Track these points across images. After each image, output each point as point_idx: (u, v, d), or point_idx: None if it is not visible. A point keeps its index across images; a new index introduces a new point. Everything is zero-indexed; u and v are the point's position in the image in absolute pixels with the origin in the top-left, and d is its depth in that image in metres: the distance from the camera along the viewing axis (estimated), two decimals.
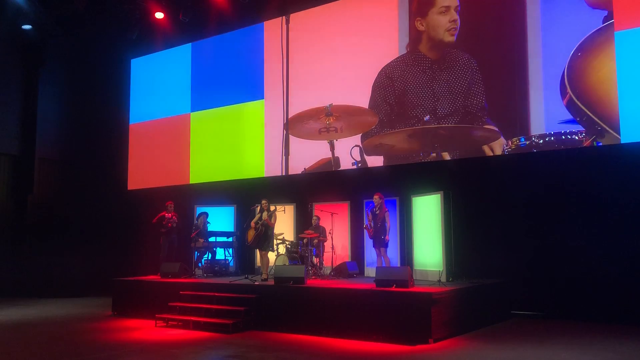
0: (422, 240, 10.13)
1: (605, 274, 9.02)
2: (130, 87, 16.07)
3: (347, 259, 11.34)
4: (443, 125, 10.69)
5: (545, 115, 9.65)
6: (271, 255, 10.57)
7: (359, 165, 11.67)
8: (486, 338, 7.82)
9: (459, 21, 10.72)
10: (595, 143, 9.12)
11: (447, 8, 10.85)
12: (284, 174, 12.73)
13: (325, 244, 11.05)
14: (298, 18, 12.90)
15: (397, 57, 11.37)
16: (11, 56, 15.28)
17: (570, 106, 9.35)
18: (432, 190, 9.95)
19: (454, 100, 10.58)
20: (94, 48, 15.90)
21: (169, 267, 11.09)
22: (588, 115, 9.16)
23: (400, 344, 7.38)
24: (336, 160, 11.99)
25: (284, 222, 11.74)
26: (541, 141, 9.67)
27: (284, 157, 12.73)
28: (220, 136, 13.95)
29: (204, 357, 7.21)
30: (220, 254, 12.05)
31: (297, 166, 12.54)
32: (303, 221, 11.89)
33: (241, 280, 9.99)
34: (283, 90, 12.88)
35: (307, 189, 12.36)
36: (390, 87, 11.41)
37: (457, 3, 10.74)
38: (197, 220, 12.02)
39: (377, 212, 9.99)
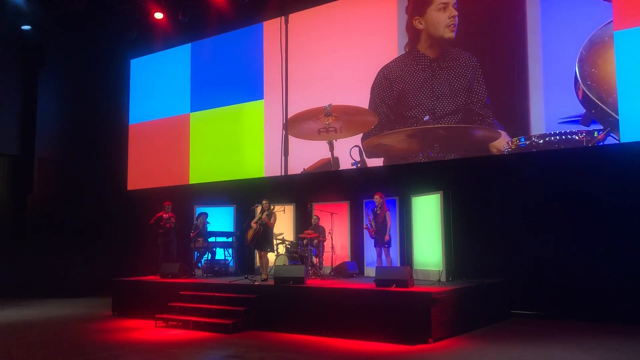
0: (421, 240, 10.13)
1: (605, 273, 9.02)
2: (130, 88, 16.06)
3: (347, 258, 11.34)
4: (442, 125, 10.69)
5: (546, 115, 9.65)
6: (271, 256, 10.56)
7: (359, 165, 11.67)
8: (486, 338, 7.82)
9: (457, 17, 10.72)
10: (607, 135, 9.02)
11: (446, 4, 10.85)
12: (283, 174, 12.73)
13: (325, 243, 11.06)
14: (297, 18, 12.89)
15: (396, 58, 11.37)
16: (11, 56, 15.27)
17: (584, 99, 9.27)
18: (431, 190, 9.96)
19: (455, 98, 10.57)
20: (93, 48, 15.88)
21: (168, 268, 11.10)
22: (600, 106, 9.10)
23: (400, 344, 7.38)
24: (335, 161, 11.99)
25: (284, 222, 11.74)
26: (541, 141, 9.67)
27: (283, 157, 12.73)
28: (219, 136, 13.94)
29: (204, 357, 7.21)
30: (220, 254, 12.05)
31: (297, 166, 12.54)
32: (303, 221, 11.89)
33: (241, 280, 9.99)
34: (282, 91, 12.89)
35: (307, 189, 12.36)
36: (389, 87, 11.41)
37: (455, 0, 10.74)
38: (196, 220, 12.02)
39: (378, 212, 10.00)
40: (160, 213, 11.78)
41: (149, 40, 15.03)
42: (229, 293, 9.38)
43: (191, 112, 14.55)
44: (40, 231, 15.12)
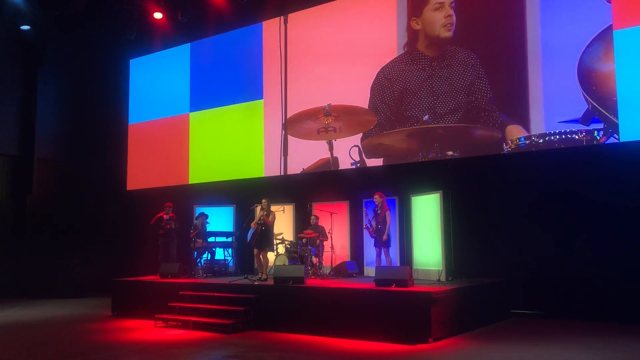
0: (421, 239, 10.12)
1: (605, 272, 9.02)
2: (130, 88, 16.06)
3: (347, 258, 11.34)
4: (442, 124, 10.68)
5: (545, 115, 9.64)
6: (270, 255, 10.55)
7: (358, 165, 11.67)
8: (486, 337, 7.83)
9: (454, 16, 10.72)
10: (608, 137, 9.01)
11: (441, 4, 10.85)
12: (282, 173, 12.73)
13: (324, 243, 11.06)
14: (296, 18, 12.89)
15: (395, 58, 11.37)
16: (10, 57, 15.25)
17: (587, 102, 9.26)
18: (431, 189, 9.95)
19: (455, 97, 10.55)
20: (92, 48, 15.88)
21: (168, 268, 11.09)
22: (600, 110, 9.09)
23: (400, 344, 7.38)
24: (335, 160, 11.99)
25: (283, 222, 11.74)
26: (541, 140, 9.66)
27: (282, 157, 12.73)
28: (219, 136, 13.94)
29: (204, 357, 7.21)
30: (219, 254, 12.04)
31: (296, 166, 12.53)
32: (302, 221, 11.89)
33: (241, 280, 9.99)
34: (281, 90, 12.88)
35: (306, 189, 12.35)
36: (389, 87, 11.40)
37: None
38: (196, 220, 12.02)
39: (379, 212, 9.99)
40: (161, 214, 11.77)
41: (148, 40, 15.02)
42: (229, 293, 9.38)
43: (190, 112, 14.54)
44: (40, 231, 15.10)
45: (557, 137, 9.50)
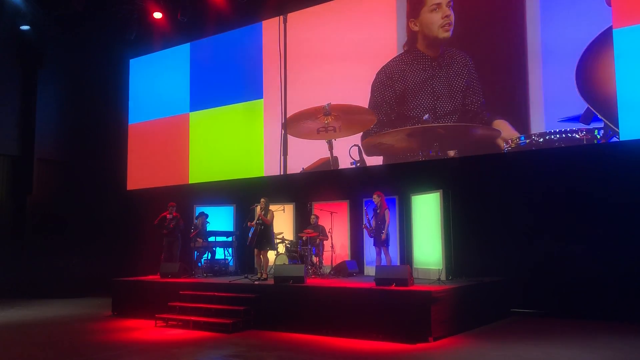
0: (421, 238, 10.12)
1: (605, 271, 9.02)
2: (129, 87, 16.06)
3: (347, 257, 11.34)
4: (442, 124, 10.68)
5: (545, 114, 9.64)
6: (271, 255, 10.54)
7: (358, 164, 11.67)
8: (486, 336, 7.82)
9: (452, 16, 10.72)
10: (610, 138, 9.02)
11: (438, 5, 10.86)
12: (282, 173, 12.73)
13: (325, 242, 11.05)
14: (296, 17, 12.88)
15: (395, 57, 11.37)
16: (10, 57, 15.25)
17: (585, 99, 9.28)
18: (431, 188, 9.95)
19: (453, 98, 10.57)
20: (92, 48, 15.87)
21: (168, 267, 11.09)
22: (599, 110, 9.09)
23: (400, 343, 7.38)
24: (335, 160, 11.98)
25: (283, 221, 11.74)
26: (541, 140, 9.66)
27: (282, 156, 12.73)
28: (219, 136, 13.94)
29: (204, 357, 7.21)
30: (219, 253, 12.04)
31: (296, 166, 12.54)
32: (302, 220, 11.89)
33: (241, 279, 9.99)
34: (281, 90, 12.88)
35: (306, 189, 12.35)
36: (390, 87, 11.40)
37: None
38: (196, 220, 12.02)
39: (379, 211, 9.99)
40: (164, 213, 11.77)
41: (148, 40, 15.01)
42: (229, 293, 9.38)
43: (190, 111, 14.54)
44: (40, 231, 15.10)
45: (558, 136, 9.49)
